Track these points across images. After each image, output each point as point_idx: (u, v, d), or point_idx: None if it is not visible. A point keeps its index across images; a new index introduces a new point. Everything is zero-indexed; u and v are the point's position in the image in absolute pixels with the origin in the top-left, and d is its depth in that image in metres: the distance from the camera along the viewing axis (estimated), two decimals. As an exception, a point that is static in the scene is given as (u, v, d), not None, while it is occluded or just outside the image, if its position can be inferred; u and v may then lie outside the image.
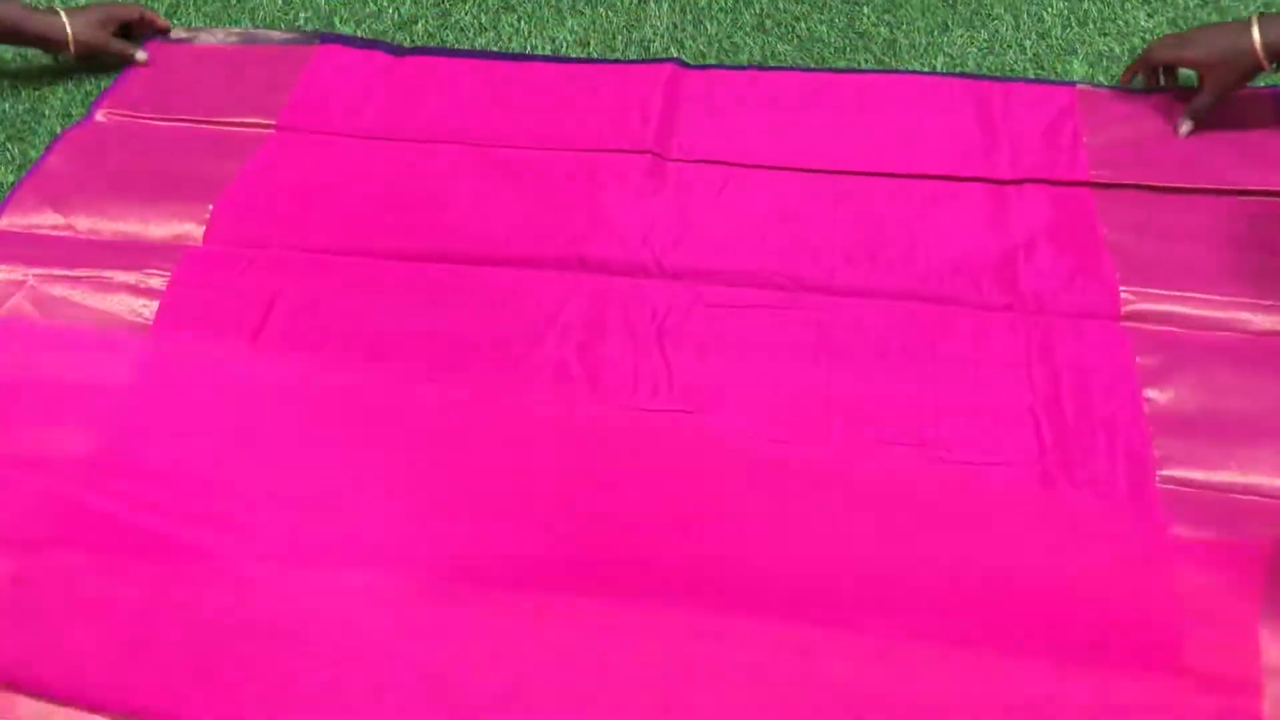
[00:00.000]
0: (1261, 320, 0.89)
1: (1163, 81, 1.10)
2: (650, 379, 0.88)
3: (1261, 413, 0.83)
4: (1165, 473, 0.80)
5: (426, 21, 1.28)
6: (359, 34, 1.27)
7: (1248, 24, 0.98)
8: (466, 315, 0.93)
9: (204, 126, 1.12)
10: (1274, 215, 0.97)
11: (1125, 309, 0.90)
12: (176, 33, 1.25)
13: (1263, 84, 1.09)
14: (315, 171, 1.07)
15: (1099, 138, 1.05)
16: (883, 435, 0.83)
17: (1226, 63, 0.99)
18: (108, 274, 0.95)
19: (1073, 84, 1.12)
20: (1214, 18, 1.24)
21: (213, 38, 1.25)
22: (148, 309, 0.93)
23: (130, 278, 0.95)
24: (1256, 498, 0.79)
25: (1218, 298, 0.90)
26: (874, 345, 0.89)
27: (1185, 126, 1.04)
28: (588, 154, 1.07)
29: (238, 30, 1.26)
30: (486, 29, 1.27)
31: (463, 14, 1.30)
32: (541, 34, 1.26)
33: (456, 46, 1.25)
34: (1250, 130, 1.04)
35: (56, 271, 0.95)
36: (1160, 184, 1.00)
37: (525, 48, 1.24)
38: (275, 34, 1.25)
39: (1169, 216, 0.97)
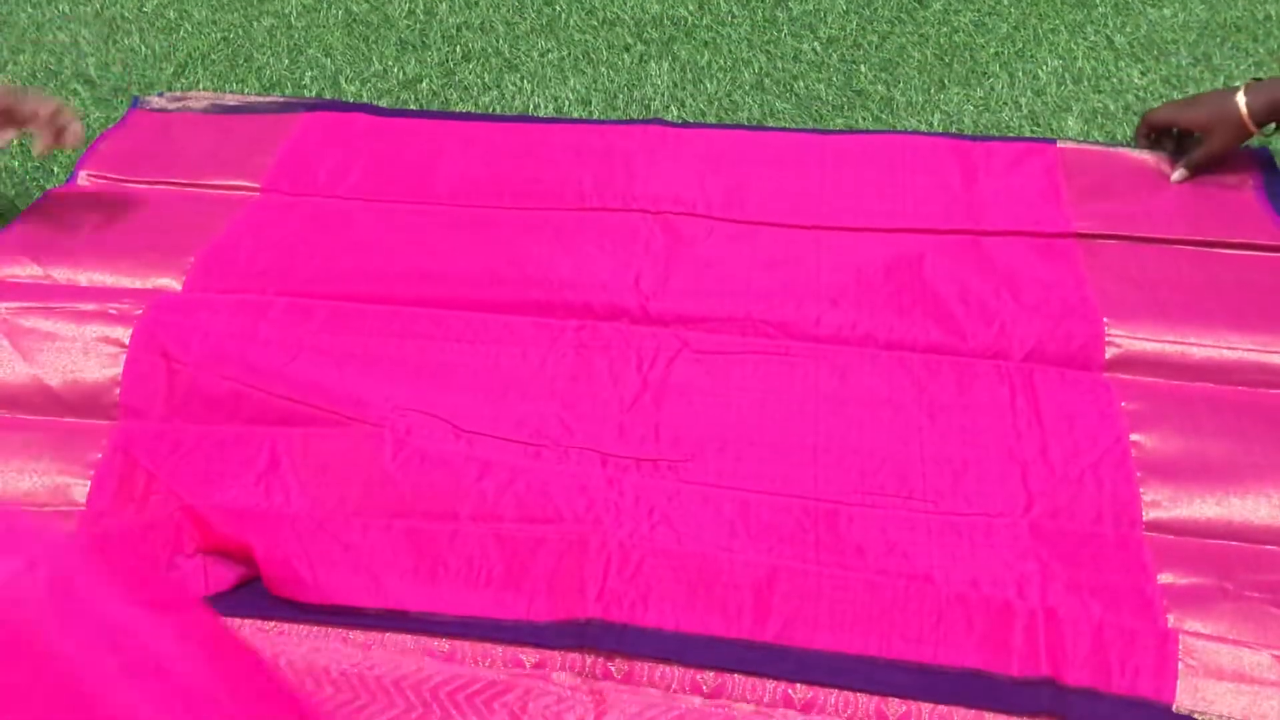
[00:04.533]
0: (1245, 362, 0.90)
1: (1166, 146, 1.11)
2: (637, 428, 0.88)
3: (1247, 457, 0.83)
4: (1151, 517, 0.81)
5: (431, 80, 1.31)
6: (364, 92, 1.29)
7: (1235, 91, 1.02)
8: (446, 355, 0.93)
9: (187, 189, 1.12)
10: (1252, 264, 0.99)
11: (1110, 356, 0.91)
12: (163, 100, 1.24)
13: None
14: (299, 228, 1.07)
15: (1081, 192, 1.06)
16: (869, 487, 0.83)
17: (1220, 125, 1.04)
18: (82, 305, 0.95)
19: (1053, 141, 1.14)
20: (1206, 75, 1.26)
21: (199, 104, 1.25)
22: (123, 335, 0.93)
23: (104, 307, 0.95)
24: (1242, 543, 0.80)
25: (1202, 342, 0.91)
26: (860, 394, 0.89)
27: (1179, 174, 1.07)
28: (573, 212, 1.07)
29: (228, 97, 1.26)
30: (490, 88, 1.29)
31: (466, 73, 1.32)
32: (544, 93, 1.28)
33: (458, 106, 1.27)
34: (1229, 188, 1.07)
35: (30, 304, 0.95)
36: (1144, 235, 1.01)
37: (528, 106, 1.26)
38: (261, 102, 1.24)
39: (1151, 266, 0.99)
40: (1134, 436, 0.85)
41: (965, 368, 0.91)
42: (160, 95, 1.25)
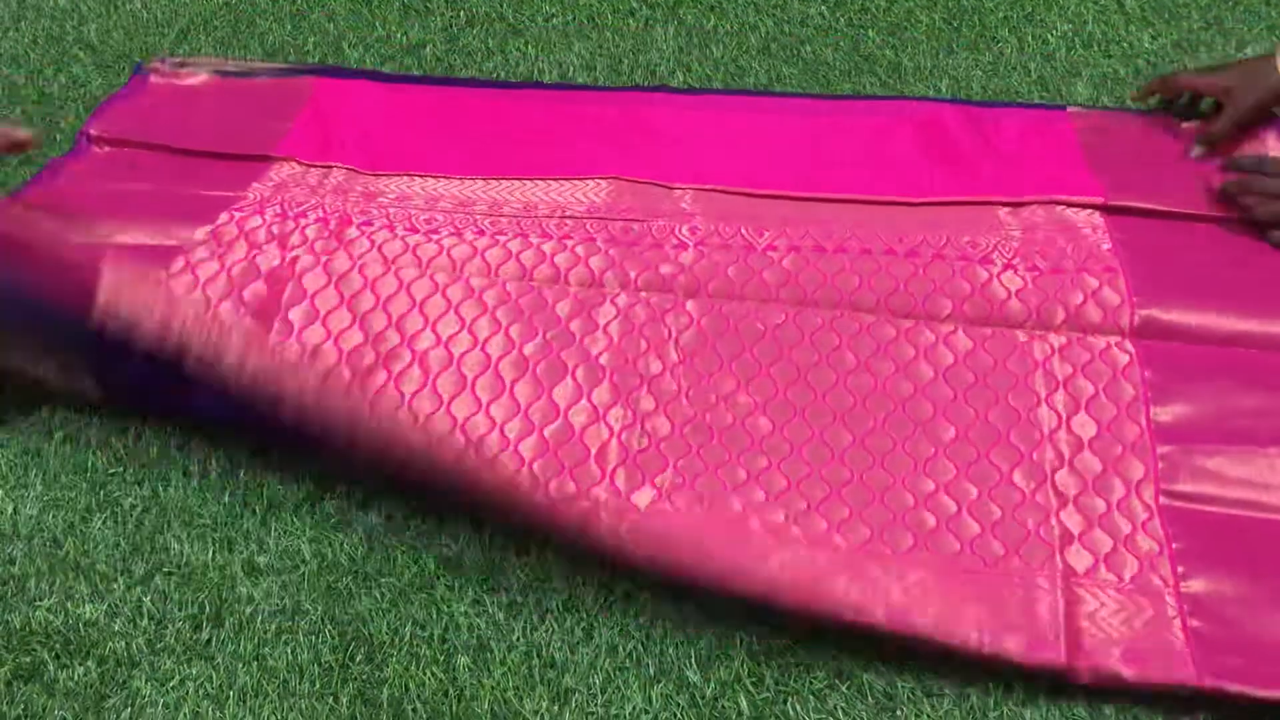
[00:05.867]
0: (1271, 335, 0.89)
1: (1183, 103, 1.08)
2: None
3: (1272, 431, 0.83)
4: (1170, 488, 0.81)
5: (435, 46, 1.30)
6: (367, 58, 1.28)
7: (1272, 54, 0.98)
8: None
9: (201, 158, 1.12)
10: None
11: (1136, 323, 0.90)
12: (165, 65, 1.23)
13: None
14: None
15: (1101, 160, 1.05)
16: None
17: (1249, 89, 0.99)
18: None
19: (1063, 108, 1.12)
20: (1217, 39, 1.24)
21: (202, 69, 1.23)
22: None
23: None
24: (1264, 515, 0.79)
25: (1228, 315, 0.90)
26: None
27: (1197, 151, 1.04)
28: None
29: (229, 62, 1.25)
30: (494, 53, 1.28)
31: (470, 38, 1.31)
32: (549, 58, 1.27)
33: (462, 72, 1.26)
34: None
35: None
36: (1167, 209, 1.00)
37: (532, 72, 1.25)
38: (262, 67, 1.23)
39: (1177, 235, 0.98)
40: (1155, 410, 0.85)
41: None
42: (162, 60, 1.24)
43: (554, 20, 1.33)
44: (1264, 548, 0.78)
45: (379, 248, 0.98)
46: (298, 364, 0.85)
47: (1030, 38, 1.26)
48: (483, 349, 0.91)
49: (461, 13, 1.35)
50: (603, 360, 0.90)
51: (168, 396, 0.88)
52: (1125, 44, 1.25)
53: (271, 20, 1.34)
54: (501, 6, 1.36)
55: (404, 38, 1.31)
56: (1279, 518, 0.79)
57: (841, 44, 1.28)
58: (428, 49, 1.29)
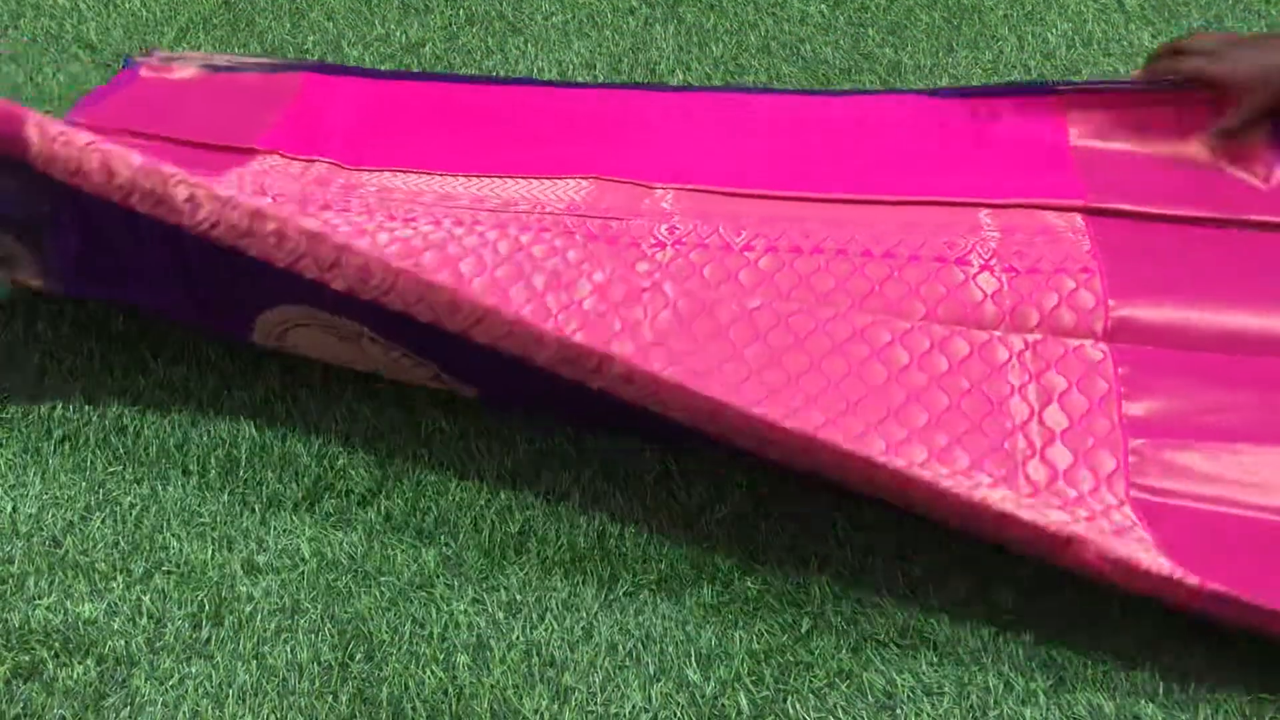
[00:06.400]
0: (1250, 334, 0.89)
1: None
2: None
3: (1242, 428, 0.83)
4: (1140, 481, 0.81)
5: (434, 44, 1.30)
6: (367, 56, 1.28)
7: (1278, 35, 0.92)
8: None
9: (183, 148, 1.11)
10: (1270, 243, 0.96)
11: (1110, 325, 0.90)
12: (154, 59, 1.23)
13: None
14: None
15: (1090, 153, 1.05)
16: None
17: (1260, 85, 0.91)
18: None
19: (1055, 88, 1.08)
20: (1218, 38, 1.24)
21: (190, 63, 1.23)
22: None
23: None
24: (1231, 510, 0.79)
25: (1204, 315, 0.90)
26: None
27: (1213, 142, 1.00)
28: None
29: (217, 57, 1.24)
30: (494, 51, 1.28)
31: (470, 37, 1.31)
32: (548, 57, 1.27)
33: (461, 70, 1.26)
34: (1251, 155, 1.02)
35: None
36: (1155, 211, 0.98)
37: (532, 70, 1.25)
38: (250, 61, 1.23)
39: (1160, 236, 0.97)
40: (1127, 404, 0.85)
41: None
42: (151, 54, 1.24)
43: (554, 19, 1.33)
44: (1232, 541, 0.78)
45: (355, 229, 0.98)
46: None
47: (1030, 36, 1.26)
48: None
49: (461, 11, 1.35)
50: (577, 339, 0.87)
51: (107, 270, 0.88)
52: (1125, 43, 1.25)
53: (271, 18, 1.34)
54: (501, 5, 1.35)
55: (403, 36, 1.31)
56: (1248, 514, 0.80)
57: (841, 42, 1.28)
58: (427, 47, 1.29)
